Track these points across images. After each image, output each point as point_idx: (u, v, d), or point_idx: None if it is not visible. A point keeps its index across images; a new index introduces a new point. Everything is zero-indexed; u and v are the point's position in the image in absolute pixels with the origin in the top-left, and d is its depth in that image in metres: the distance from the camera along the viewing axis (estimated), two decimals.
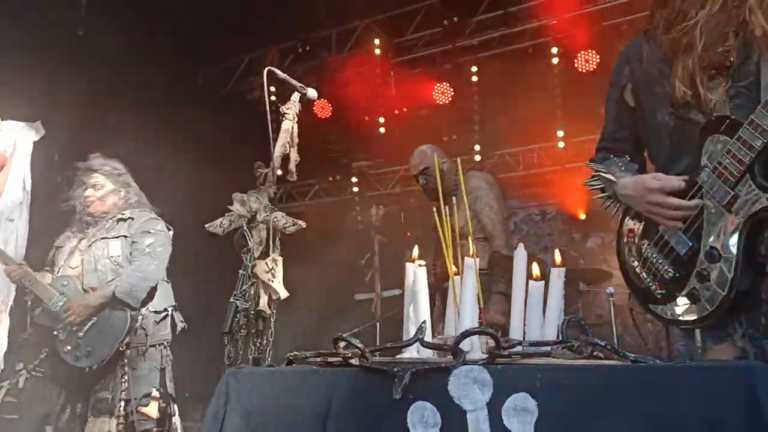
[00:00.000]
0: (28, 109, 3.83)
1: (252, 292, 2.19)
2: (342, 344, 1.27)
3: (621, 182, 1.82)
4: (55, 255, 3.44)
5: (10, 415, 3.19)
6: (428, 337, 1.29)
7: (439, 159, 3.68)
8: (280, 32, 6.63)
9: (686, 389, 0.95)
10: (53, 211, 3.60)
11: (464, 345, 1.25)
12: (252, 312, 2.17)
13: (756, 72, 1.60)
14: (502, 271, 3.37)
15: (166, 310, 3.41)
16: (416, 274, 1.35)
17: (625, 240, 1.90)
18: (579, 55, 5.56)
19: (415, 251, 1.42)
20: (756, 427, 0.89)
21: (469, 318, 1.27)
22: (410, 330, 1.31)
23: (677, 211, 1.66)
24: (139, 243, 3.30)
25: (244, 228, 2.29)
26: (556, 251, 1.42)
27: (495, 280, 3.38)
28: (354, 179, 6.95)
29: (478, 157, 6.30)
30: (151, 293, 3.29)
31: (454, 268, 1.41)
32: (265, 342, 2.23)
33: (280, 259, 2.32)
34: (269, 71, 2.56)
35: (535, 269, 1.33)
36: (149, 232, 3.36)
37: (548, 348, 1.16)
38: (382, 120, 6.54)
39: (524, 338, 1.28)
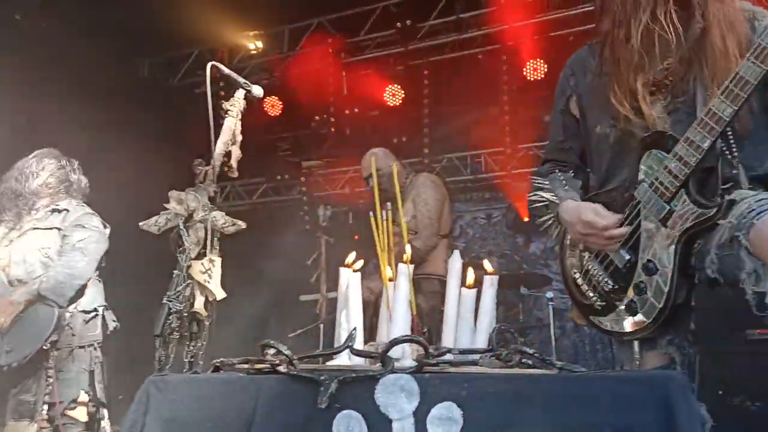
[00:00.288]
0: None
1: (187, 294, 2.13)
2: (271, 351, 1.24)
3: (563, 206, 1.84)
4: None
5: None
6: (359, 345, 1.28)
7: (389, 162, 3.68)
8: (231, 26, 6.50)
9: (606, 398, 0.97)
10: None
11: (395, 352, 1.24)
12: (186, 314, 2.10)
13: (693, 88, 1.66)
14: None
15: (96, 309, 3.27)
16: (350, 280, 1.33)
17: (567, 252, 1.94)
18: (528, 63, 5.67)
19: (351, 257, 1.40)
20: None
21: (401, 325, 1.26)
22: (342, 337, 1.30)
23: (608, 241, 1.71)
24: (71, 237, 3.16)
25: (181, 227, 2.22)
26: (486, 261, 1.43)
27: None
28: (303, 178, 6.88)
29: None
30: (81, 291, 3.15)
31: (389, 273, 1.40)
32: (199, 345, 2.17)
33: (217, 260, 2.26)
34: (213, 66, 2.50)
35: (469, 277, 1.33)
36: (83, 227, 3.21)
37: (476, 357, 1.16)
38: (333, 120, 6.49)
39: (455, 346, 1.28)
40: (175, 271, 2.15)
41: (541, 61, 5.62)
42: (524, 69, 5.65)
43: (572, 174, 1.93)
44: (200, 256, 2.26)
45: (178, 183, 2.46)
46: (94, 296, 3.27)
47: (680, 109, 1.67)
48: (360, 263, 1.36)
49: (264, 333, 6.53)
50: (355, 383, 1.11)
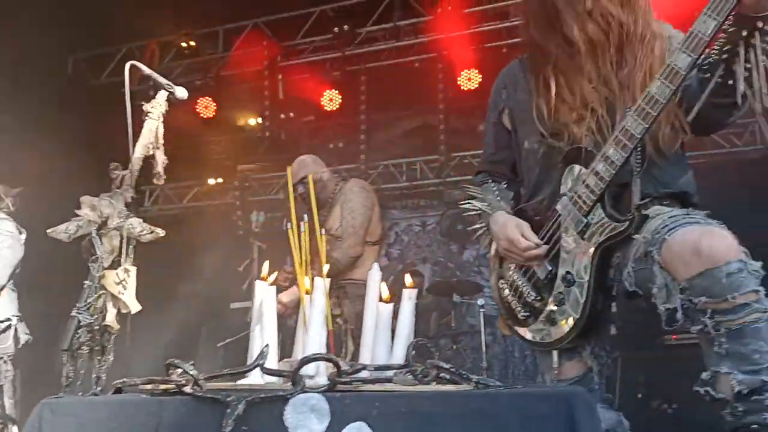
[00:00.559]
0: None
1: (98, 305, 2.01)
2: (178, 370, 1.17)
3: (493, 217, 1.87)
4: None
5: None
6: (273, 362, 1.23)
7: (319, 169, 3.62)
8: (164, 24, 6.28)
9: (514, 415, 0.97)
10: None
11: (309, 370, 1.21)
12: (97, 327, 1.98)
13: (614, 106, 1.70)
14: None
15: (8, 320, 3.08)
16: (264, 293, 1.28)
17: (496, 263, 1.96)
18: (462, 73, 5.76)
19: (265, 268, 1.35)
20: None
21: (316, 341, 1.23)
22: (255, 353, 1.25)
23: (527, 261, 1.76)
24: None
25: (93, 234, 2.09)
26: (407, 275, 1.42)
27: None
28: (237, 182, 6.71)
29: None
30: None
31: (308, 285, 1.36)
32: (107, 360, 2.05)
33: (133, 270, 2.14)
34: (132, 66, 2.37)
35: (384, 291, 1.31)
36: None
37: (390, 374, 1.14)
38: (268, 123, 6.37)
39: (372, 362, 1.25)
40: (87, 282, 2.03)
41: (476, 71, 5.72)
42: (459, 78, 5.74)
43: (505, 185, 1.97)
44: (114, 265, 2.15)
45: (96, 188, 2.33)
46: (7, 306, 3.09)
47: (602, 125, 1.71)
48: (274, 276, 1.31)
49: (195, 342, 6.32)
50: (264, 404, 1.06)
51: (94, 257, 2.09)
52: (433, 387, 1.11)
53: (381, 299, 1.30)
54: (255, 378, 1.22)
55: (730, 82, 1.46)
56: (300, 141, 6.77)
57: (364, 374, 1.21)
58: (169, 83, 2.51)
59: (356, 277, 3.38)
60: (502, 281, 1.89)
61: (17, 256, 3.08)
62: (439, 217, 6.41)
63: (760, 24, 1.38)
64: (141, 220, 2.26)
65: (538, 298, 1.76)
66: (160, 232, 2.28)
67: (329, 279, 3.29)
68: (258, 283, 1.32)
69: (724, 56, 1.45)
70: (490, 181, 1.97)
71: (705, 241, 1.38)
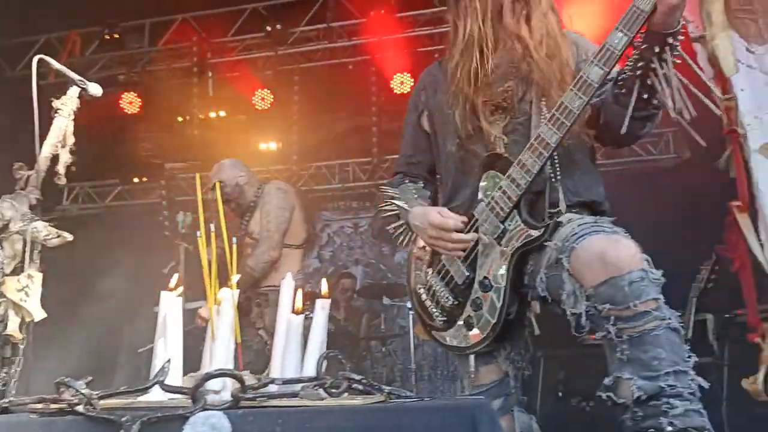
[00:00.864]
0: None
1: None
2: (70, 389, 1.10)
3: (412, 212, 1.86)
4: None
5: None
6: (176, 377, 1.18)
7: (236, 173, 3.52)
8: (86, 13, 5.97)
9: (419, 427, 0.97)
10: None
11: (215, 385, 1.16)
12: None
13: (530, 110, 1.74)
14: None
15: None
16: (169, 305, 1.23)
17: (413, 267, 1.96)
18: (395, 76, 5.79)
19: (173, 280, 1.30)
20: None
21: (222, 356, 1.19)
22: (157, 368, 1.19)
23: (455, 244, 1.74)
24: None
25: None
26: (323, 281, 1.40)
27: None
28: (163, 182, 6.48)
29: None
30: None
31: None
32: (12, 372, 1.92)
33: (38, 276, 2.02)
34: (40, 60, 2.24)
35: (297, 301, 1.29)
36: None
37: (297, 388, 1.11)
38: (197, 121, 6.18)
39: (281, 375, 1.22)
40: None
41: (408, 74, 5.77)
42: (392, 82, 5.76)
43: (422, 185, 1.97)
44: (17, 271, 2.02)
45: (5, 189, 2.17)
46: None
47: (518, 130, 1.74)
48: (182, 288, 1.26)
49: (116, 346, 6.06)
50: (162, 423, 1.01)
51: None
52: (340, 400, 1.09)
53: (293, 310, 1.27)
54: (158, 395, 1.16)
55: (645, 96, 1.51)
56: (231, 140, 6.61)
57: (273, 388, 1.19)
58: (82, 79, 2.38)
59: (277, 282, 3.30)
60: (420, 286, 1.90)
61: None
62: (371, 219, 6.43)
63: (670, 40, 1.44)
64: (47, 223, 2.14)
65: (456, 302, 1.77)
66: (68, 237, 2.15)
67: (248, 288, 3.21)
68: (164, 294, 1.26)
69: (638, 72, 1.50)
70: (407, 181, 1.97)
71: (610, 251, 1.43)
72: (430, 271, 1.87)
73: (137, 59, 6.18)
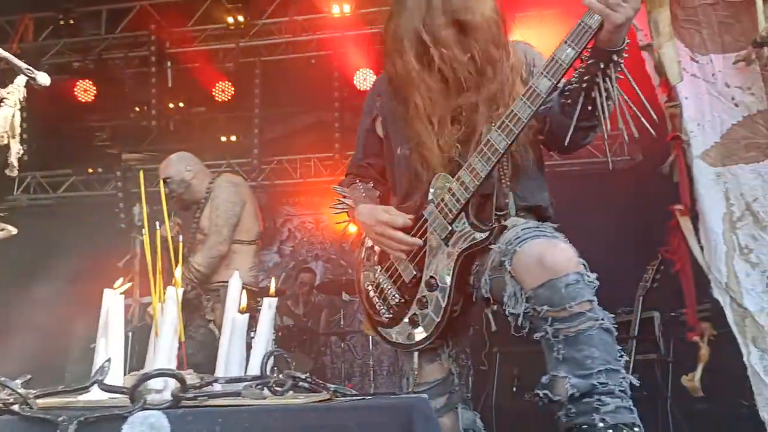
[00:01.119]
0: None
1: None
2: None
3: (359, 209, 1.89)
4: None
5: None
6: (117, 377, 1.17)
7: (183, 168, 3.44)
8: None
9: (356, 426, 0.98)
10: None
11: (157, 385, 1.16)
12: None
13: (482, 119, 1.78)
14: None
15: None
16: (111, 303, 1.22)
17: (363, 264, 1.99)
18: (358, 72, 5.79)
19: (119, 282, 1.28)
20: None
21: (165, 355, 1.18)
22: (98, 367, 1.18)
23: (401, 245, 1.77)
24: None
25: None
26: (272, 280, 1.40)
27: None
28: (119, 173, 6.33)
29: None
30: None
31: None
32: None
33: None
34: None
35: (243, 301, 1.29)
36: None
37: (238, 387, 1.12)
38: (155, 112, 6.05)
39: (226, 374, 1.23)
40: None
41: (371, 71, 5.78)
42: (354, 78, 5.76)
43: (371, 185, 1.99)
44: None
45: None
46: None
47: (471, 138, 1.78)
48: (126, 286, 1.25)
49: (68, 342, 5.91)
50: (100, 423, 1.00)
51: None
52: (282, 399, 1.10)
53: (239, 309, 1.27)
54: (99, 394, 1.15)
55: (589, 107, 1.58)
56: (190, 132, 6.51)
57: (217, 387, 1.19)
58: (30, 68, 2.31)
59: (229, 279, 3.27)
60: (368, 283, 1.93)
61: None
62: (332, 214, 6.43)
63: (614, 57, 1.51)
64: None
65: (402, 300, 1.80)
66: (12, 230, 2.10)
67: (197, 284, 3.16)
68: (106, 292, 1.24)
69: (584, 84, 1.56)
70: (358, 181, 2.00)
71: (548, 254, 1.48)
72: (379, 268, 1.90)
73: (93, 46, 6.01)
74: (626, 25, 1.47)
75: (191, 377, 1.13)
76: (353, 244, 2.01)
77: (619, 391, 1.41)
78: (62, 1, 5.86)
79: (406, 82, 1.79)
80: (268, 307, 1.31)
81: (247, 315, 1.25)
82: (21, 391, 1.04)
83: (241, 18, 5.80)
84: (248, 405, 1.05)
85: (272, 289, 1.37)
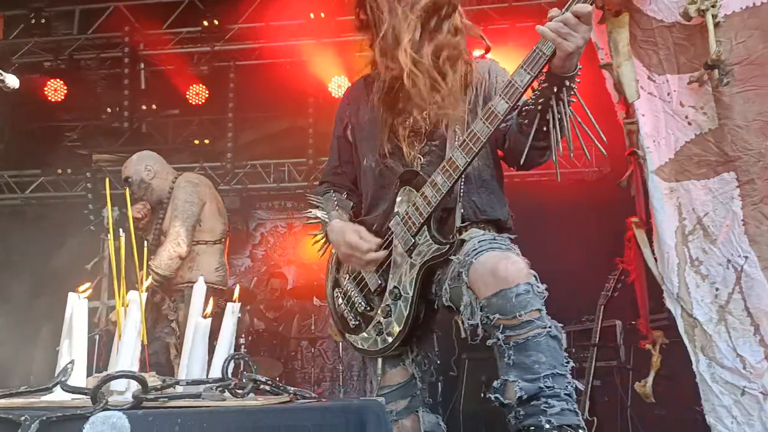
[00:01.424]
0: None
1: None
2: None
3: (330, 225, 1.94)
4: None
5: None
6: (80, 378, 1.20)
7: (142, 168, 3.39)
8: None
9: (311, 427, 1.03)
10: None
11: (119, 386, 1.19)
12: None
13: (445, 134, 1.85)
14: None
15: None
16: (75, 306, 1.24)
17: (332, 272, 2.04)
18: (333, 79, 5.84)
19: (84, 286, 1.31)
20: None
21: (128, 357, 1.21)
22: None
23: (367, 264, 1.84)
24: None
25: None
26: (237, 286, 1.44)
27: None
28: (89, 174, 6.27)
29: None
30: None
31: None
32: None
33: None
34: None
35: (208, 307, 1.32)
36: None
37: (199, 390, 1.15)
38: (127, 114, 6.00)
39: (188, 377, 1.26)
40: None
41: (346, 78, 5.83)
42: (329, 84, 5.81)
43: (345, 196, 2.04)
44: None
45: None
46: None
47: (434, 152, 1.86)
48: (89, 291, 1.27)
49: (35, 345, 5.83)
50: (61, 423, 1.03)
51: None
52: (240, 401, 1.14)
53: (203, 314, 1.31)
54: (61, 395, 1.18)
55: (544, 128, 1.65)
56: (163, 134, 6.49)
57: (179, 389, 1.22)
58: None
59: (194, 279, 3.26)
60: (337, 291, 1.98)
61: None
62: (305, 219, 6.45)
63: (567, 82, 1.59)
64: None
65: (368, 308, 1.86)
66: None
67: (159, 287, 3.15)
68: (71, 296, 1.27)
69: (539, 107, 1.64)
70: (332, 191, 2.05)
71: (501, 266, 1.55)
72: (347, 276, 1.95)
73: (65, 46, 5.95)
74: (576, 53, 1.55)
75: (153, 379, 1.16)
76: (324, 252, 2.05)
77: (565, 394, 1.48)
78: (34, 0, 5.80)
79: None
80: (232, 312, 1.35)
81: (209, 320, 1.29)
82: None
83: (216, 21, 5.80)
84: (207, 406, 1.09)
85: (236, 295, 1.40)
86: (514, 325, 1.51)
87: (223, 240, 3.43)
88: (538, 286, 1.56)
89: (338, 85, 5.81)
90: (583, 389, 1.58)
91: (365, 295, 1.89)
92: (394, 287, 1.80)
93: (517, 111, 1.72)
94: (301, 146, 6.12)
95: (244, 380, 1.25)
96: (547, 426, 1.46)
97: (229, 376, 1.26)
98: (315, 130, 6.02)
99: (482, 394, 4.62)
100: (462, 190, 1.80)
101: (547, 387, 1.47)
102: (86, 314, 1.25)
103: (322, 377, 6.21)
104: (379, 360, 1.88)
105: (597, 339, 3.56)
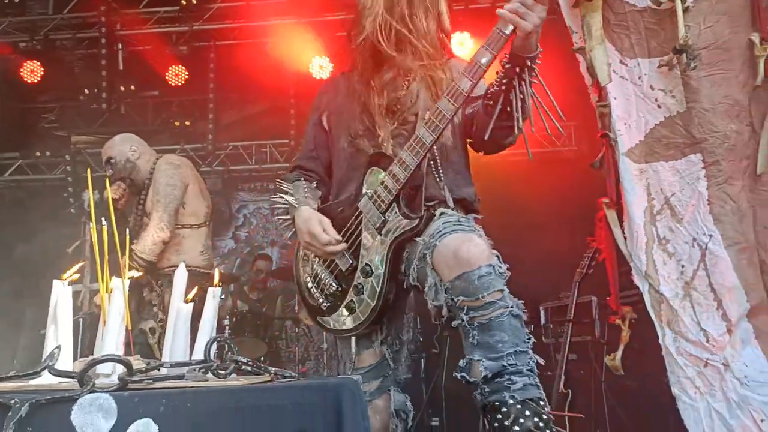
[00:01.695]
0: None
1: None
2: None
3: (298, 211, 1.98)
4: None
5: None
6: (66, 362, 1.24)
7: (127, 148, 3.38)
8: None
9: (289, 406, 1.09)
10: None
11: (105, 369, 1.24)
12: None
13: (416, 119, 1.92)
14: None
15: None
16: (60, 293, 1.28)
17: (300, 261, 2.09)
18: (314, 59, 5.82)
19: (69, 273, 1.34)
20: None
21: (113, 342, 1.26)
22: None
23: (328, 255, 1.91)
24: None
25: None
26: (216, 271, 1.48)
27: None
28: (68, 157, 6.21)
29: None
30: None
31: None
32: None
33: None
34: None
35: (190, 293, 1.37)
36: None
37: (182, 371, 1.21)
38: (105, 95, 5.93)
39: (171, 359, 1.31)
40: None
41: (327, 59, 5.82)
42: (310, 65, 5.79)
43: (315, 185, 2.10)
44: None
45: None
46: None
47: (403, 134, 1.93)
48: (74, 277, 1.31)
49: (17, 328, 5.82)
50: (51, 405, 1.08)
51: None
52: (223, 382, 1.20)
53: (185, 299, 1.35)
54: (49, 379, 1.22)
55: (508, 108, 1.72)
56: (143, 116, 6.43)
57: (163, 371, 1.27)
58: None
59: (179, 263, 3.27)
60: (306, 275, 2.03)
61: None
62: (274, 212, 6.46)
63: (528, 62, 1.67)
64: None
65: (339, 289, 1.92)
66: None
67: (142, 271, 3.16)
68: (55, 283, 1.31)
69: (503, 87, 1.71)
70: (302, 179, 2.10)
71: (463, 248, 1.62)
72: (317, 260, 2.00)
73: (40, 26, 5.85)
74: (535, 32, 1.63)
75: (137, 362, 1.21)
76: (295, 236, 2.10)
77: (527, 370, 1.57)
78: None
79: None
80: (213, 296, 1.40)
81: (191, 305, 1.34)
82: None
83: (194, 0, 5.73)
84: (191, 387, 1.14)
85: (216, 279, 1.45)
86: (477, 306, 1.58)
87: (207, 223, 3.42)
88: (500, 267, 1.63)
89: (319, 65, 5.80)
90: (543, 363, 1.66)
91: (336, 276, 1.94)
92: (366, 265, 1.86)
93: (483, 95, 1.79)
94: (282, 127, 6.11)
95: (226, 361, 1.31)
96: (511, 401, 1.54)
97: (212, 357, 1.32)
98: (296, 110, 6.02)
99: None
100: (430, 169, 1.88)
101: (510, 365, 1.55)
102: (71, 301, 1.29)
103: (306, 356, 6.30)
104: (353, 340, 1.94)
105: (572, 315, 3.66)
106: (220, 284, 1.45)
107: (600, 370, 3.83)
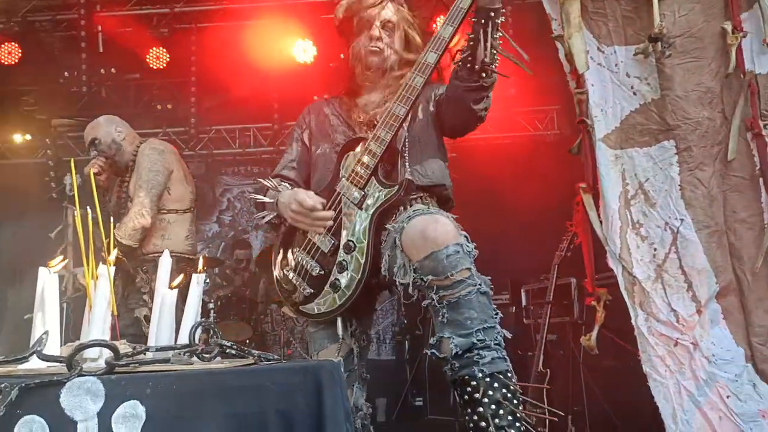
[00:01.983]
0: None
1: None
2: None
3: (282, 194, 2.04)
4: None
5: None
6: (54, 348, 1.28)
7: (113, 129, 3.33)
8: None
9: (271, 387, 1.14)
10: None
11: (92, 354, 1.28)
12: None
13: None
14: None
15: None
16: (46, 280, 1.31)
17: (278, 261, 2.10)
18: (297, 42, 5.79)
19: (55, 261, 1.37)
20: (319, 417, 1.12)
21: (99, 327, 1.30)
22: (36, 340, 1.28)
23: (315, 221, 1.93)
24: None
25: None
26: (201, 257, 1.52)
27: None
28: (49, 140, 6.15)
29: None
30: None
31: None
32: None
33: None
34: None
35: (176, 279, 1.41)
36: None
37: (168, 356, 1.25)
38: (85, 78, 5.86)
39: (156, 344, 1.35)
40: None
41: (311, 42, 5.80)
42: (293, 49, 5.76)
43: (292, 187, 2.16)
44: None
45: None
46: None
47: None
48: (61, 265, 1.34)
49: (2, 310, 5.80)
50: (40, 388, 1.11)
51: None
52: (207, 365, 1.24)
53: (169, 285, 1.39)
54: (37, 363, 1.26)
55: (476, 66, 1.82)
56: (124, 98, 6.36)
57: (149, 355, 1.31)
58: None
59: (166, 248, 3.26)
60: (287, 268, 2.04)
61: None
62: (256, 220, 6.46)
63: (492, 14, 1.77)
64: None
65: (322, 271, 1.95)
66: None
67: (126, 256, 3.16)
68: (42, 270, 1.33)
69: (471, 43, 1.81)
70: (285, 183, 2.15)
71: (430, 228, 1.68)
72: (296, 250, 2.03)
73: (19, 7, 5.74)
74: None
75: (124, 347, 1.25)
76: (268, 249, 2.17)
77: (495, 344, 1.64)
78: None
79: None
80: (197, 283, 1.43)
81: (176, 291, 1.37)
82: None
83: None
84: (176, 370, 1.18)
85: (200, 266, 1.48)
86: (446, 285, 1.64)
87: (192, 208, 3.42)
88: (467, 246, 1.69)
89: (303, 49, 5.78)
90: (510, 337, 1.73)
91: (318, 259, 1.96)
92: (348, 241, 1.91)
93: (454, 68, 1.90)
94: (266, 111, 6.10)
95: (211, 345, 1.35)
96: (480, 375, 1.61)
97: (197, 342, 1.36)
98: (279, 94, 6.00)
99: None
100: (403, 150, 1.96)
101: (479, 340, 1.62)
102: (57, 288, 1.32)
103: (291, 339, 6.35)
104: (339, 320, 1.97)
105: (552, 297, 3.75)
106: (205, 269, 1.48)
107: (578, 350, 3.94)
